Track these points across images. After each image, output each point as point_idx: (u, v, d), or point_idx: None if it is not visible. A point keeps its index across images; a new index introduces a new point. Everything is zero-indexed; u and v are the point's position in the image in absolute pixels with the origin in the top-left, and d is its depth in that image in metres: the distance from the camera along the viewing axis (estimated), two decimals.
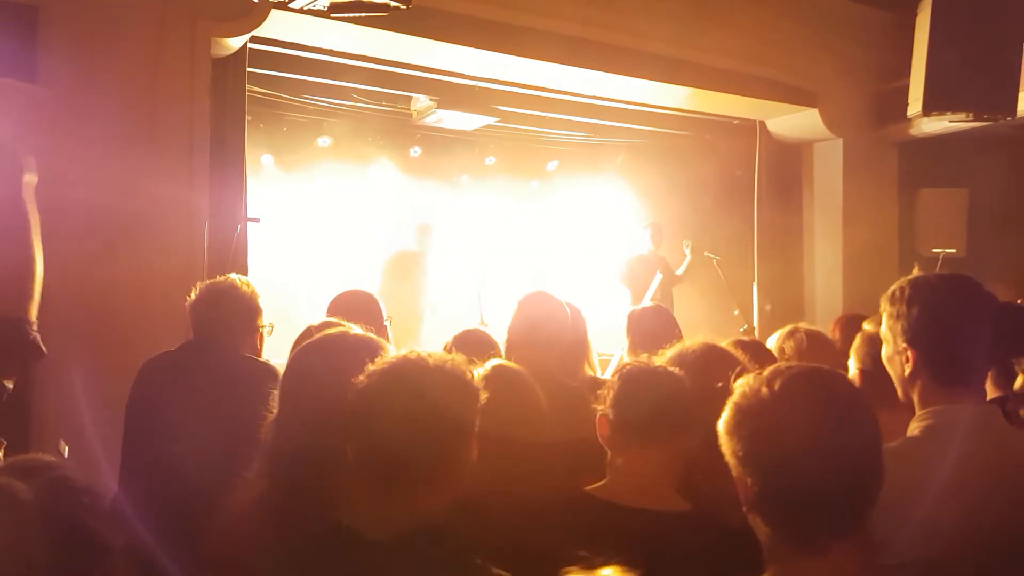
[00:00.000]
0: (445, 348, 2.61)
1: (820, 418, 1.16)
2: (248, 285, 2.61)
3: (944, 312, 1.68)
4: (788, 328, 3.12)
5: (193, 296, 2.68)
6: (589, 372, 3.15)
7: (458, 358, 1.49)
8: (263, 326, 2.63)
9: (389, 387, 1.39)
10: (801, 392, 1.18)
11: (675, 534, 1.62)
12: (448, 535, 1.37)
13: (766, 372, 1.22)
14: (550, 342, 2.71)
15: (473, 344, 2.70)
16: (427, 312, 7.03)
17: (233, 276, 2.67)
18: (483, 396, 1.46)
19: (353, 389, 1.42)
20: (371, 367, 1.45)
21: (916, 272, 1.74)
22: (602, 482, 1.80)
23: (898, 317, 1.71)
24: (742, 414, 1.20)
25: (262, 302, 2.63)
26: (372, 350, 1.57)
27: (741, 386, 1.23)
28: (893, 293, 1.73)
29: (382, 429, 1.37)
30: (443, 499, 1.39)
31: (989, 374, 2.24)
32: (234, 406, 1.96)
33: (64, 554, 1.05)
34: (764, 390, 1.19)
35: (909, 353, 1.70)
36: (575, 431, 2.32)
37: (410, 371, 1.42)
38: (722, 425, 1.22)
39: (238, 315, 2.57)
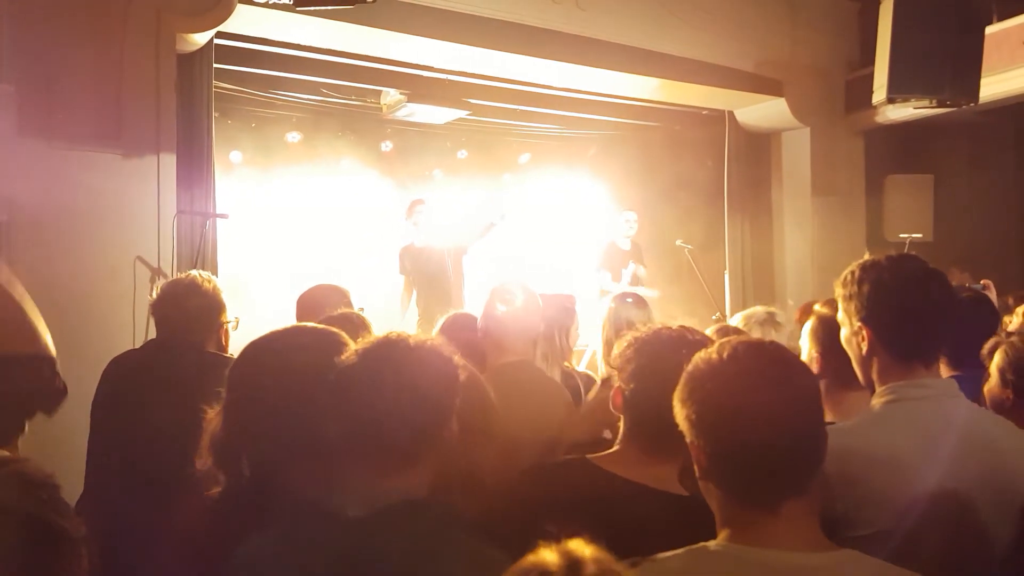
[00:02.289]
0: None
1: (766, 380, 1.23)
2: (210, 281, 2.59)
3: (893, 287, 1.72)
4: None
5: (155, 295, 2.66)
6: (565, 364, 3.18)
7: (438, 339, 1.53)
8: (227, 322, 2.61)
9: (370, 365, 1.42)
10: (748, 358, 1.25)
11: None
12: (428, 510, 1.39)
13: (715, 344, 1.30)
14: (526, 332, 2.73)
15: (461, 327, 2.73)
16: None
17: (194, 273, 2.65)
18: (463, 376, 1.50)
19: (335, 368, 1.45)
20: (354, 346, 1.49)
21: (867, 257, 1.79)
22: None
23: (850, 298, 1.76)
24: (694, 381, 1.27)
25: (225, 297, 2.62)
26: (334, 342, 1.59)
27: (694, 359, 1.30)
28: (845, 277, 1.79)
29: (363, 407, 1.39)
30: (424, 475, 1.42)
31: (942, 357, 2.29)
32: (199, 403, 1.95)
33: (23, 547, 1.05)
34: (714, 357, 1.26)
35: (864, 332, 1.74)
36: (545, 427, 2.33)
37: (391, 350, 1.45)
38: (676, 395, 1.29)
39: (201, 312, 2.55)
